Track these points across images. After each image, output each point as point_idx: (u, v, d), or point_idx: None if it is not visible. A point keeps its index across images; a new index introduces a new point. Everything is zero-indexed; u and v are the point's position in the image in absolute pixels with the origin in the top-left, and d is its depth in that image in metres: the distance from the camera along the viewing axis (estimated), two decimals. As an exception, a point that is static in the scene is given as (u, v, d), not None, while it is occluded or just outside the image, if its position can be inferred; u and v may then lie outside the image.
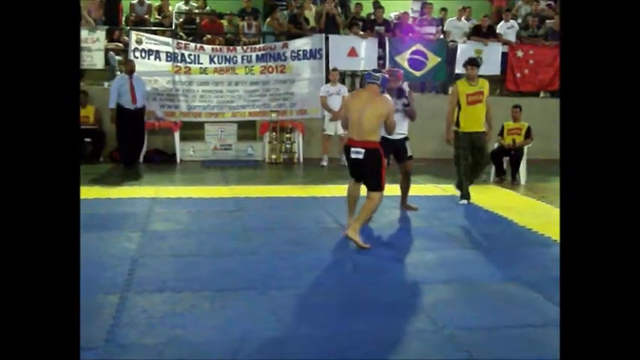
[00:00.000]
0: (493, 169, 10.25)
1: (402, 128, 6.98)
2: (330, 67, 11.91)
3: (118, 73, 12.43)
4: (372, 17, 13.52)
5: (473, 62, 8.16)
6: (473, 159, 8.04)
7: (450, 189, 8.91)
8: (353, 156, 5.88)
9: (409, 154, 7.23)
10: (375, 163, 5.86)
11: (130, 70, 10.94)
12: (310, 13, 13.49)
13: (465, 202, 8.01)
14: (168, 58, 11.82)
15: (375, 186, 5.95)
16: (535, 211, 7.73)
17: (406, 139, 7.17)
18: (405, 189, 7.51)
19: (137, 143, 11.12)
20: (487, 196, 8.65)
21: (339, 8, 13.69)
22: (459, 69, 13.37)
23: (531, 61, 13.34)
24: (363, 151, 5.81)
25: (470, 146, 7.92)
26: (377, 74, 6.02)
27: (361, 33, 12.83)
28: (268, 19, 13.33)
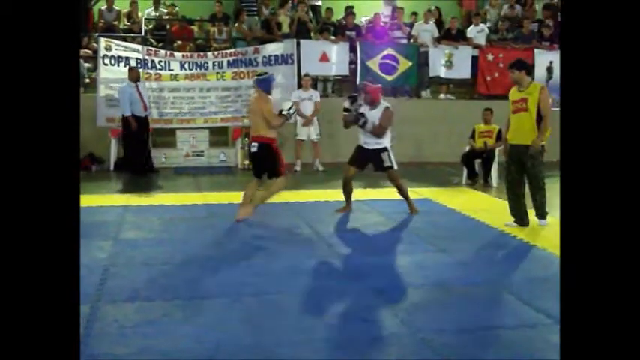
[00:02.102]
0: (465, 171, 10.31)
1: (378, 140, 7.14)
2: (302, 73, 11.90)
3: (87, 80, 12.32)
4: (343, 22, 13.54)
5: (511, 65, 6.82)
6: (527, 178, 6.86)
7: (423, 192, 8.95)
8: (251, 150, 6.97)
9: (387, 164, 7.25)
10: (267, 154, 6.82)
11: (136, 77, 10.87)
12: (283, 18, 13.47)
13: (511, 224, 6.95)
14: (138, 65, 11.71)
15: (274, 175, 6.91)
16: (508, 213, 7.76)
17: (382, 150, 7.23)
18: (403, 196, 7.52)
19: (146, 150, 11.07)
20: (460, 199, 8.70)
21: (310, 13, 13.69)
22: (432, 72, 13.51)
23: (501, 65, 13.44)
24: (257, 144, 6.83)
25: (516, 161, 6.78)
26: (260, 77, 7.00)
27: (332, 38, 12.84)
28: (236, 24, 13.27)
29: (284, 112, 6.93)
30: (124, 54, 11.74)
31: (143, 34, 13.10)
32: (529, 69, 6.92)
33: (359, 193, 8.83)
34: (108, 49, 11.64)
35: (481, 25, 14.01)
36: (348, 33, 13.16)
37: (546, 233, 6.59)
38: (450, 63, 13.43)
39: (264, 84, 6.91)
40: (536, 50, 13.70)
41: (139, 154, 10.84)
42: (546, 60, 13.57)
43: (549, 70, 13.55)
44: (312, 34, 13.24)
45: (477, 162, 10.26)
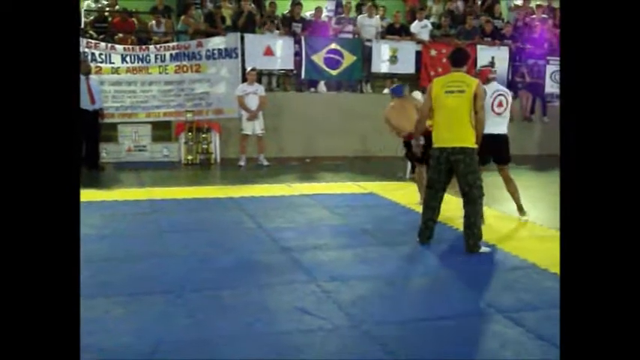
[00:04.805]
0: (409, 166, 10.39)
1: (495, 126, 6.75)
2: (247, 66, 11.83)
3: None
4: (289, 15, 13.50)
5: None
6: None
7: (368, 186, 9.00)
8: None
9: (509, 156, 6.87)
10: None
11: (86, 70, 10.64)
12: (227, 11, 13.35)
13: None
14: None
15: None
16: (449, 206, 7.85)
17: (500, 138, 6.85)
18: (513, 195, 7.18)
19: (95, 145, 10.84)
20: (403, 192, 8.78)
21: (254, 7, 13.61)
22: (375, 67, 13.58)
23: (444, 60, 13.61)
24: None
25: None
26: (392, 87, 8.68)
27: (277, 32, 12.79)
28: (183, 17, 13.10)
29: None
30: (63, 46, 11.46)
31: (83, 26, 12.80)
32: (454, 59, 5.80)
33: (303, 187, 8.86)
34: (46, 41, 11.33)
35: (425, 20, 14.17)
36: (294, 25, 13.12)
37: (492, 224, 6.67)
38: (395, 58, 13.54)
39: (393, 90, 8.15)
40: (478, 46, 13.92)
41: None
42: (488, 55, 13.80)
43: (491, 65, 13.75)
44: (256, 28, 13.16)
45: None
